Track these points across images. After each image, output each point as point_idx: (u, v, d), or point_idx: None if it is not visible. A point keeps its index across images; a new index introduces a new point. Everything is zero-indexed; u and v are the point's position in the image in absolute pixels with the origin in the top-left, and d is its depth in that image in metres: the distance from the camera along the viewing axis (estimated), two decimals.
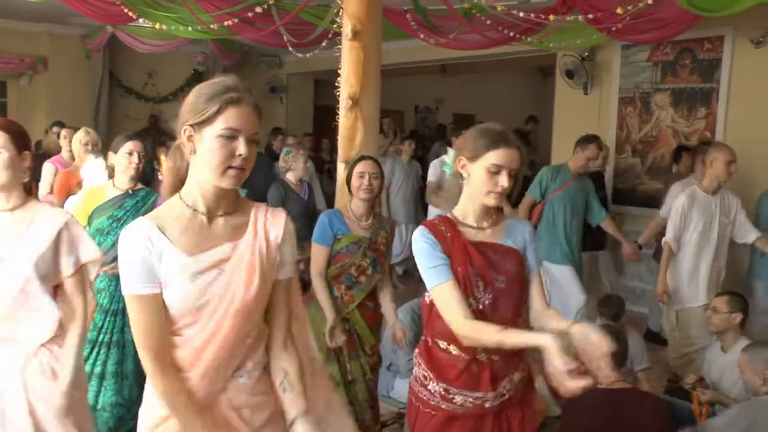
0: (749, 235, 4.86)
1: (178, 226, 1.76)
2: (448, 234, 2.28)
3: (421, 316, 4.65)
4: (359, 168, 3.57)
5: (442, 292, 2.21)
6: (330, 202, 6.29)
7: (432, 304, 2.31)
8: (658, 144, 7.28)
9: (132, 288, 1.73)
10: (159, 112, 10.94)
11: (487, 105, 12.11)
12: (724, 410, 3.52)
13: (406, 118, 13.29)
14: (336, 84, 4.68)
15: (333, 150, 8.41)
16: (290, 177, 5.70)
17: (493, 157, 2.23)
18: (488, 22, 6.01)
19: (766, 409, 3.22)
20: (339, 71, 4.67)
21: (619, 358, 3.43)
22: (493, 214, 2.37)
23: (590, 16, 5.45)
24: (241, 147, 1.72)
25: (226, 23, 6.31)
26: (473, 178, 2.28)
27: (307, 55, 6.91)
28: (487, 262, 2.26)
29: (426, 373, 2.34)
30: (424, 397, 2.34)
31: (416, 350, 2.43)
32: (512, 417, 2.35)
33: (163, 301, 1.75)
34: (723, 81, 7.02)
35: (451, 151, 2.39)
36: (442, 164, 2.48)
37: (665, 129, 7.43)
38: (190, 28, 6.80)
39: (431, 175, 7.01)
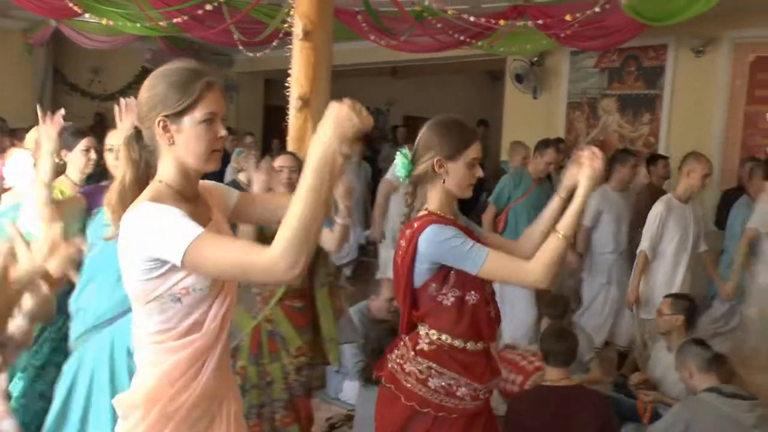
0: (701, 246, 4.89)
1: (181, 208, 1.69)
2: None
3: (370, 320, 4.67)
4: (277, 162, 3.56)
5: (494, 262, 2.19)
6: None
7: (434, 299, 2.30)
8: (605, 148, 7.41)
9: (193, 233, 1.58)
10: (105, 110, 10.69)
11: (438, 107, 12.09)
12: (667, 409, 3.61)
13: None
14: (286, 84, 4.66)
15: (283, 150, 8.34)
16: (242, 177, 5.63)
17: (473, 151, 2.30)
18: (439, 25, 6.06)
19: (703, 407, 3.31)
20: (290, 71, 4.65)
21: (567, 355, 3.49)
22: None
23: (540, 22, 5.56)
24: (221, 129, 1.74)
25: (175, 20, 6.22)
26: (455, 175, 2.31)
27: (258, 55, 6.87)
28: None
29: (455, 379, 2.30)
30: (451, 405, 2.30)
31: (426, 362, 2.32)
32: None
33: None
34: (666, 88, 7.25)
35: (401, 156, 2.35)
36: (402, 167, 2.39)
37: (611, 133, 7.64)
38: (138, 25, 6.67)
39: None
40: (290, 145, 4.62)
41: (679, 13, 5.07)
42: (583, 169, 2.20)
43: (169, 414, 1.72)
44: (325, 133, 1.54)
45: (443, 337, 2.31)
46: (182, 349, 1.72)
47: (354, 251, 7.66)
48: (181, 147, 1.72)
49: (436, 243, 2.22)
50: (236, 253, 1.58)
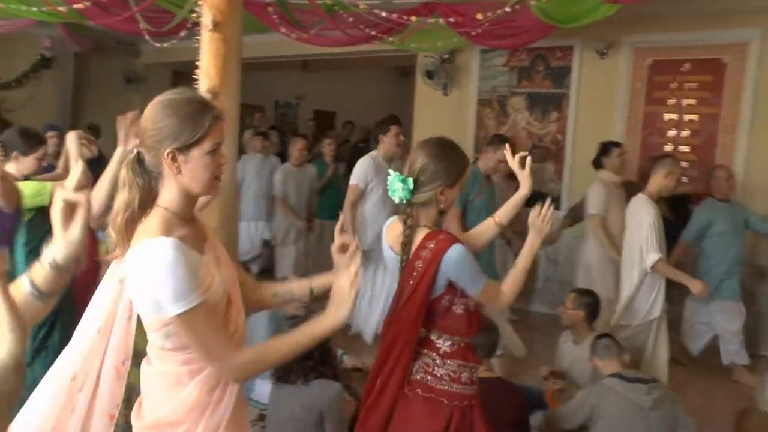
0: None
1: (183, 233, 1.81)
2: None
3: (281, 316, 4.64)
4: None
5: (487, 288, 2.53)
6: None
7: (449, 310, 2.54)
8: (514, 144, 7.60)
9: (192, 300, 1.70)
10: (1, 100, 10.16)
11: (348, 102, 12.23)
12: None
13: (267, 113, 13.15)
14: (195, 77, 4.55)
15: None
16: None
17: (466, 176, 2.63)
18: (350, 19, 6.05)
19: (607, 391, 3.50)
20: (198, 63, 4.54)
21: (489, 348, 3.59)
22: None
23: (451, 19, 5.63)
24: (223, 157, 1.85)
25: (76, 6, 5.95)
26: (450, 198, 2.58)
27: (165, 45, 6.67)
28: None
29: (474, 368, 2.63)
30: (471, 392, 2.60)
31: (455, 362, 2.57)
32: None
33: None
34: (573, 87, 7.50)
35: (400, 182, 2.51)
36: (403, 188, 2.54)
37: (521, 131, 7.83)
38: (34, 9, 6.36)
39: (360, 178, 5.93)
40: None
41: (584, 17, 5.25)
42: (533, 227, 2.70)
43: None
44: (338, 318, 1.79)
45: (456, 338, 2.56)
46: (199, 372, 1.83)
47: (257, 247, 7.57)
48: (187, 176, 1.82)
49: (460, 263, 2.45)
50: (214, 343, 1.75)
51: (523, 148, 7.49)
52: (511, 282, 2.60)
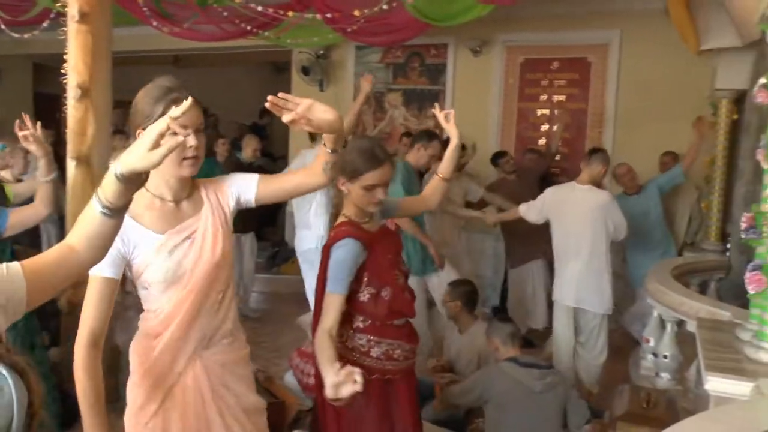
0: None
1: (151, 214, 2.04)
2: (365, 237, 2.64)
3: None
4: None
5: (335, 300, 2.56)
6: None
7: (354, 295, 2.65)
8: (392, 140, 7.73)
9: (99, 270, 1.95)
10: None
11: (222, 98, 11.94)
12: None
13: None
14: (62, 71, 4.33)
15: (59, 143, 7.65)
16: (5, 175, 5.10)
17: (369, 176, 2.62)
18: (225, 13, 5.95)
19: (499, 374, 3.65)
20: (65, 56, 4.32)
21: None
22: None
23: (327, 15, 5.64)
24: (190, 139, 1.91)
25: None
26: (355, 193, 2.65)
27: (25, 36, 6.30)
28: (389, 244, 2.76)
29: (391, 344, 2.70)
30: (392, 367, 2.70)
31: (365, 336, 2.68)
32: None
33: (116, 291, 2.01)
34: (448, 84, 7.72)
35: None
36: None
37: (398, 126, 7.98)
38: None
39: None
40: (70, 139, 4.30)
41: (458, 16, 5.42)
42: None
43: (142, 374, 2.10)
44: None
45: (370, 320, 2.68)
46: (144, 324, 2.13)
47: None
48: None
49: (334, 259, 2.59)
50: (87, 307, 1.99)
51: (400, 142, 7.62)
52: (320, 349, 2.53)
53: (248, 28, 6.20)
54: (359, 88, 8.05)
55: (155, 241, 2.02)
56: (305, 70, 8.20)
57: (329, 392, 2.24)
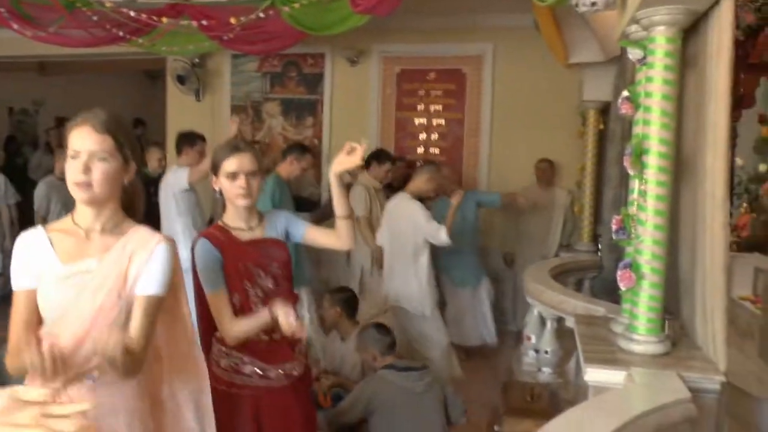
0: None
1: (64, 238, 2.10)
2: (222, 238, 2.70)
3: None
4: None
5: (214, 299, 2.64)
6: None
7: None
8: (271, 150, 7.69)
9: (18, 284, 2.06)
10: None
11: (92, 108, 11.52)
12: (349, 392, 3.92)
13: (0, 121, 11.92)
14: None
15: None
16: None
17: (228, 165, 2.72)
18: (95, 18, 5.73)
19: (381, 383, 3.69)
20: None
21: None
22: (255, 215, 2.82)
23: (203, 22, 5.56)
24: (79, 165, 2.01)
25: None
26: (226, 190, 2.74)
27: None
28: (261, 254, 2.74)
29: (239, 359, 2.71)
30: (239, 382, 2.72)
31: (217, 345, 2.77)
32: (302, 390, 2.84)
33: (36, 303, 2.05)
34: (326, 94, 7.76)
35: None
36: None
37: (277, 136, 7.94)
38: None
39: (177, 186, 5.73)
40: None
41: (334, 26, 5.46)
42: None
43: None
44: None
45: None
46: None
47: None
48: None
49: (197, 258, 2.67)
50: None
51: (279, 152, 7.60)
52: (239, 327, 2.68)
53: (120, 34, 5.99)
54: (236, 98, 8.02)
55: (54, 266, 2.07)
56: (181, 79, 8.02)
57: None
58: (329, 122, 7.72)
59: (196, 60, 8.00)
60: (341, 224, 2.78)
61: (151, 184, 6.47)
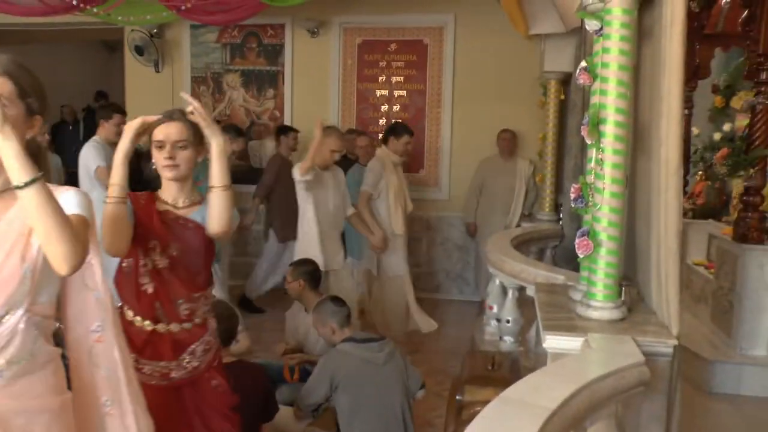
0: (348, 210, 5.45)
1: None
2: (142, 202, 2.59)
3: None
4: None
5: None
6: None
7: (121, 270, 2.55)
8: (232, 122, 7.59)
9: None
10: None
11: (47, 79, 11.26)
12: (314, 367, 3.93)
13: None
14: None
15: None
16: None
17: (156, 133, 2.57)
18: None
19: (343, 356, 3.70)
20: None
21: (228, 335, 3.60)
22: (189, 192, 2.66)
23: None
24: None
25: None
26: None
27: None
28: (166, 231, 2.56)
29: None
30: None
31: None
32: (203, 389, 2.63)
33: None
34: (287, 65, 7.71)
35: None
36: None
37: (238, 108, 7.88)
38: None
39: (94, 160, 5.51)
40: None
41: None
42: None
43: None
44: None
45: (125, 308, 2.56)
46: None
47: None
48: None
49: None
50: None
51: (241, 125, 7.54)
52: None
53: (73, 2, 5.85)
54: (196, 69, 7.92)
55: None
56: (139, 50, 7.88)
57: None
58: (291, 94, 7.68)
59: (155, 30, 7.86)
60: (212, 195, 2.52)
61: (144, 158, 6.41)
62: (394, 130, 6.10)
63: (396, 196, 5.91)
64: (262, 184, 6.61)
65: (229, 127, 5.72)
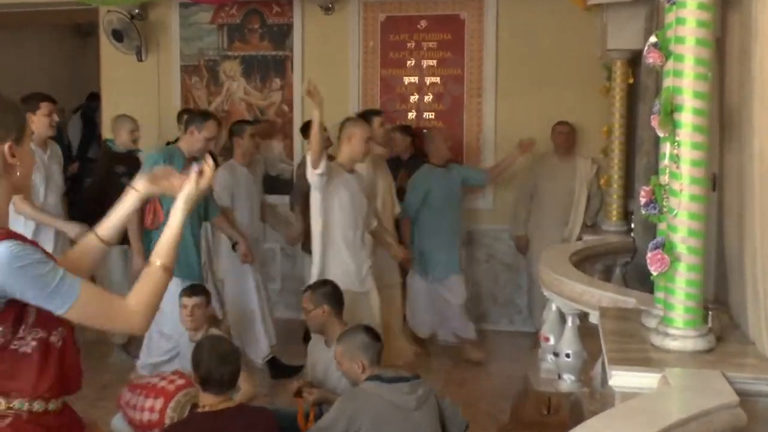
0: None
1: None
2: None
3: None
4: None
5: (90, 297, 2.14)
6: None
7: (5, 348, 2.14)
8: (232, 119, 7.56)
9: None
10: None
11: (10, 70, 11.44)
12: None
13: None
14: None
15: None
16: None
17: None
18: None
19: (365, 397, 3.70)
20: None
21: (232, 379, 3.63)
22: None
23: None
24: None
25: None
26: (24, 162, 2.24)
27: None
28: None
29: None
30: None
31: None
32: None
33: None
34: (296, 49, 7.74)
35: None
36: None
37: (238, 102, 7.93)
38: None
39: None
40: None
41: None
42: (184, 186, 2.33)
43: None
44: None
45: (17, 403, 2.15)
46: None
47: None
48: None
49: (13, 270, 2.02)
50: None
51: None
52: (150, 285, 2.23)
53: None
54: (187, 56, 7.98)
55: None
56: (117, 35, 7.95)
57: None
58: (300, 84, 7.69)
59: (136, 11, 7.93)
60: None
61: (118, 162, 6.50)
62: (401, 129, 6.44)
63: (384, 201, 6.01)
64: (298, 191, 6.69)
65: (195, 115, 5.76)
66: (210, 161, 2.37)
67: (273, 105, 7.83)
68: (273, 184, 7.37)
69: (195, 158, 5.43)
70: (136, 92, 7.86)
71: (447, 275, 6.56)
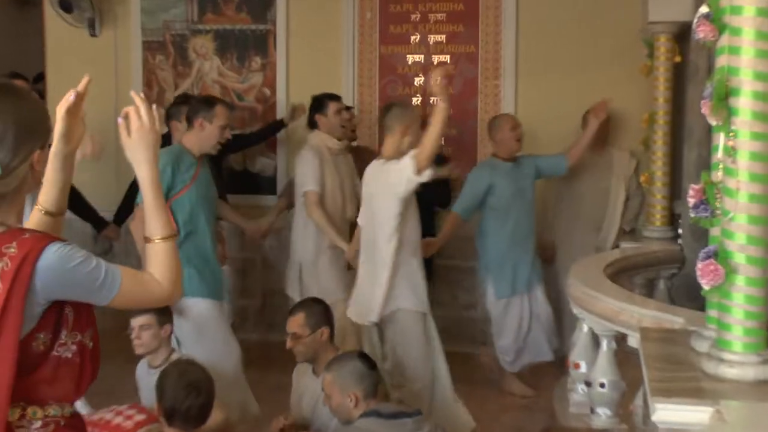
0: None
1: None
2: None
3: None
4: None
5: (130, 280, 2.37)
6: None
7: (46, 355, 2.30)
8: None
9: None
10: None
11: None
12: None
13: None
14: None
15: None
16: None
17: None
18: None
19: None
20: None
21: (204, 411, 3.65)
22: None
23: None
24: None
25: None
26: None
27: None
28: None
29: None
30: None
31: None
32: None
33: None
34: (279, 22, 7.72)
35: None
36: None
37: (211, 84, 7.93)
38: None
39: None
40: None
41: None
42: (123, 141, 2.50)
43: None
44: None
45: (52, 411, 2.30)
46: None
47: None
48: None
49: (66, 271, 2.22)
50: None
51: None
52: (156, 261, 2.44)
53: None
54: (150, 30, 7.98)
55: None
56: (65, 5, 7.94)
57: None
58: (285, 63, 7.70)
59: None
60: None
61: None
62: (317, 106, 6.35)
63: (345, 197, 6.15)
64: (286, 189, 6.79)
65: (199, 104, 5.71)
66: (141, 95, 2.53)
67: (253, 88, 7.82)
68: (254, 181, 7.39)
69: (203, 155, 5.41)
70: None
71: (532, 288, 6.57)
